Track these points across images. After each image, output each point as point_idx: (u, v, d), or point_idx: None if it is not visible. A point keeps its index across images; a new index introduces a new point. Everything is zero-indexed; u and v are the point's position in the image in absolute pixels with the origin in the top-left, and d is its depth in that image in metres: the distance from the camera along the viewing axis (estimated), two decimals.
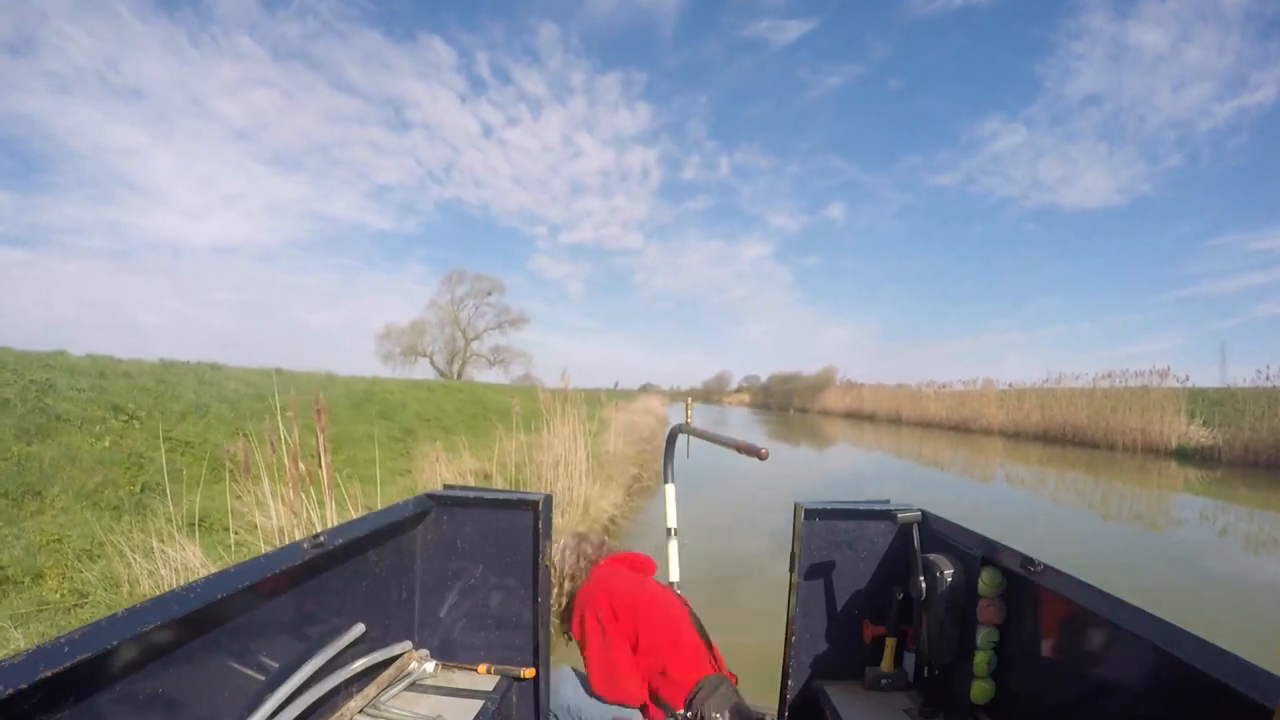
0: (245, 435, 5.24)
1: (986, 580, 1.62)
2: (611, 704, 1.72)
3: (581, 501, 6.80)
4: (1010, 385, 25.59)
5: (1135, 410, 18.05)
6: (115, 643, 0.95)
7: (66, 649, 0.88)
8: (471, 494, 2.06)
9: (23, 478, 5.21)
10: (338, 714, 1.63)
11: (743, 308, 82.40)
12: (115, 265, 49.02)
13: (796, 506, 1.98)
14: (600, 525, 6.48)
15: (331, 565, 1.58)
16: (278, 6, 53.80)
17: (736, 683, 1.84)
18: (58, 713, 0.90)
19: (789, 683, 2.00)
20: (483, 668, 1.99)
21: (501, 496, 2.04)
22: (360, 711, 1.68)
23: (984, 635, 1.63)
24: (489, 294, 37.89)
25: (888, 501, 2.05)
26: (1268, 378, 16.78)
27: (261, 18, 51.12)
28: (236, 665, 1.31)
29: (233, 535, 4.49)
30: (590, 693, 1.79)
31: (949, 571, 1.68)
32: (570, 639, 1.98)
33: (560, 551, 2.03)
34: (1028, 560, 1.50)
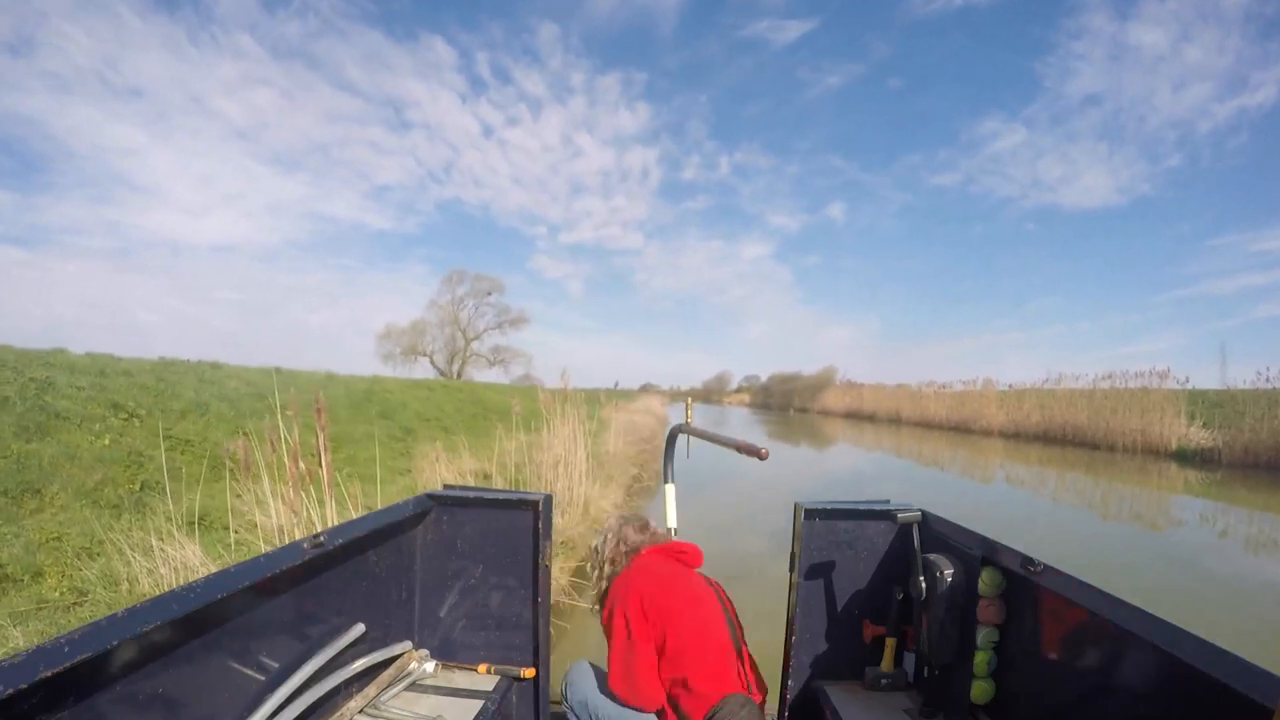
0: (245, 434, 5.24)
1: (986, 580, 1.62)
2: (627, 706, 1.69)
3: (581, 501, 6.79)
4: (1010, 386, 25.59)
5: (1135, 411, 18.04)
6: (115, 643, 0.95)
7: (66, 649, 0.88)
8: (471, 494, 2.06)
9: (22, 476, 5.20)
10: (338, 714, 1.63)
11: (743, 308, 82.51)
12: (115, 265, 49.04)
13: (796, 506, 1.98)
14: (600, 525, 6.47)
15: (331, 565, 1.58)
16: (278, 5, 53.84)
17: (763, 700, 1.78)
18: (58, 713, 0.90)
19: (789, 683, 2.00)
20: (483, 668, 1.99)
21: (501, 496, 2.04)
22: (360, 711, 1.68)
23: (984, 635, 1.62)
24: (489, 294, 37.90)
25: (888, 501, 2.05)
26: (1268, 379, 16.78)
27: (261, 17, 51.15)
28: (236, 665, 1.31)
29: (232, 534, 4.49)
30: (606, 690, 1.76)
31: (949, 571, 1.68)
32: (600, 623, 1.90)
33: (603, 535, 1.94)
34: (1028, 560, 1.50)
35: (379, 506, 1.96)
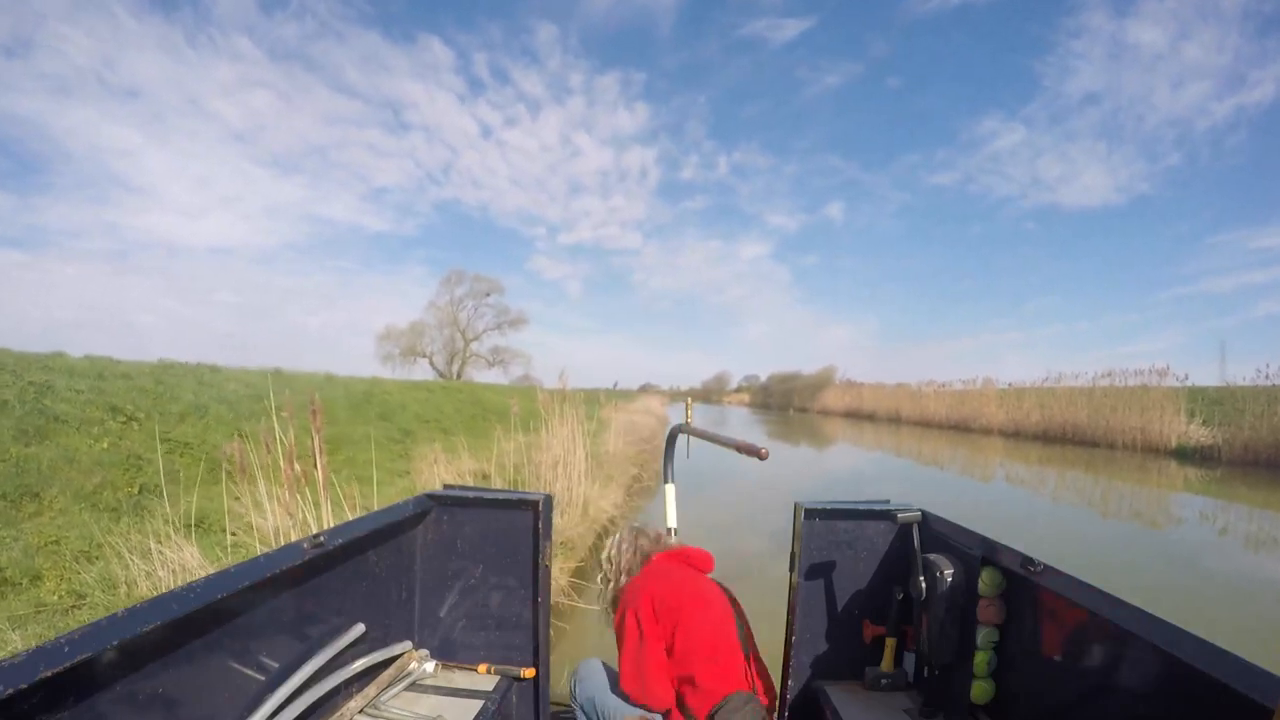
0: (242, 436, 5.23)
1: (986, 580, 1.62)
2: (636, 705, 1.70)
3: (581, 502, 6.79)
4: (1010, 385, 25.60)
5: (1135, 409, 18.05)
6: (115, 643, 0.95)
7: (66, 649, 0.88)
8: (471, 494, 2.06)
9: (21, 479, 5.19)
10: (338, 714, 1.63)
11: (741, 307, 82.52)
12: (114, 267, 48.99)
13: (796, 506, 1.98)
14: (600, 525, 6.48)
15: (331, 565, 1.58)
16: (275, 7, 53.82)
17: (770, 701, 1.78)
18: (58, 713, 0.90)
19: (789, 683, 2.00)
20: (483, 668, 1.99)
21: (501, 496, 2.04)
22: (360, 711, 1.68)
23: (984, 635, 1.62)
24: (488, 295, 37.91)
25: (888, 501, 2.05)
26: (1267, 376, 16.80)
27: (259, 19, 51.08)
28: (236, 665, 1.31)
29: (229, 536, 4.48)
30: (615, 689, 1.77)
31: (949, 571, 1.68)
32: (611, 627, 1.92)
33: (616, 545, 1.97)
34: (1028, 560, 1.50)
35: (375, 508, 1.96)
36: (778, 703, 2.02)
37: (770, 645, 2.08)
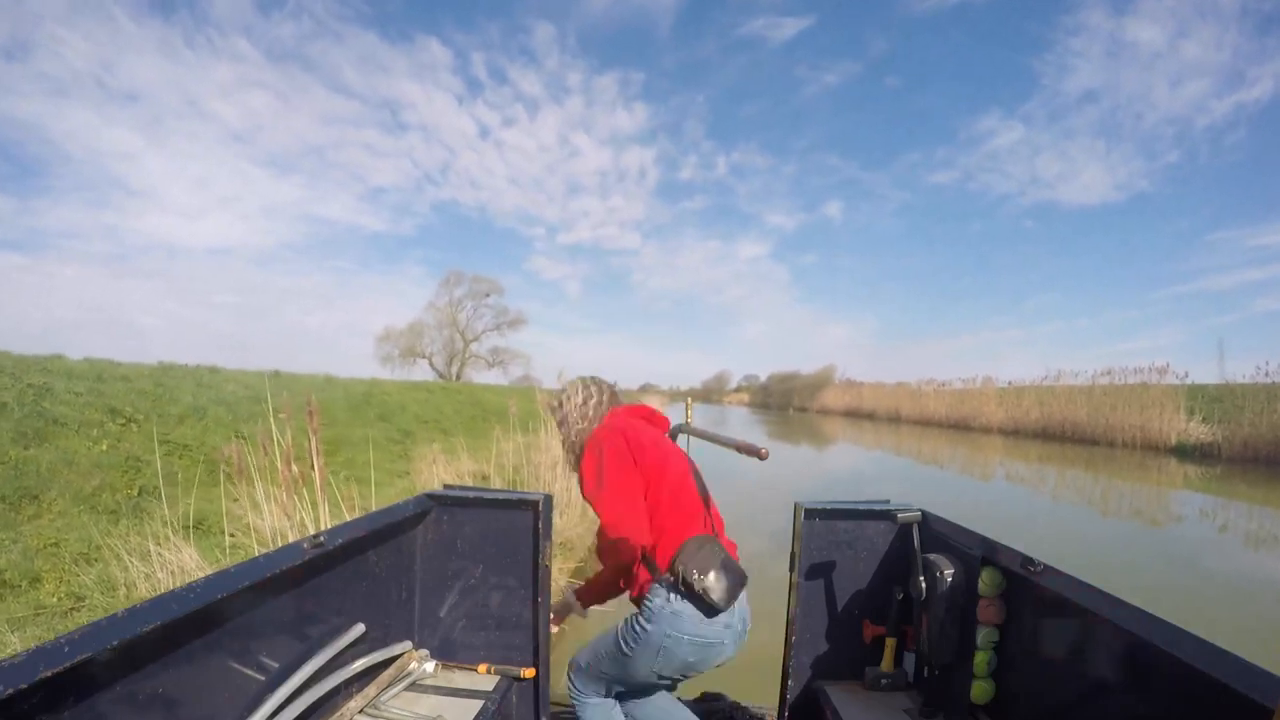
0: (240, 437, 5.23)
1: (986, 580, 1.62)
2: (615, 539, 1.62)
3: (579, 502, 6.79)
4: (1009, 383, 25.62)
5: (1134, 407, 18.07)
6: (115, 643, 0.95)
7: (66, 649, 0.88)
8: (471, 494, 2.06)
9: (20, 482, 5.19)
10: (338, 714, 1.63)
11: (741, 307, 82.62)
12: (112, 269, 48.94)
13: (796, 506, 1.98)
14: (599, 525, 6.47)
15: (331, 565, 1.58)
16: (272, 8, 53.79)
17: (736, 552, 1.72)
18: (58, 713, 0.90)
19: (789, 683, 2.00)
20: (483, 668, 1.99)
21: (501, 496, 2.04)
22: (360, 711, 1.68)
23: (984, 635, 1.63)
24: (487, 295, 37.86)
25: (888, 501, 2.05)
26: (1266, 374, 16.82)
27: (256, 19, 51.05)
28: (236, 665, 1.31)
29: (228, 538, 4.48)
30: (583, 676, 1.76)
31: (949, 571, 1.68)
32: (579, 480, 1.83)
33: (579, 391, 1.90)
34: (1028, 560, 1.50)
35: (373, 509, 1.96)
36: (778, 703, 2.03)
37: (770, 645, 2.08)
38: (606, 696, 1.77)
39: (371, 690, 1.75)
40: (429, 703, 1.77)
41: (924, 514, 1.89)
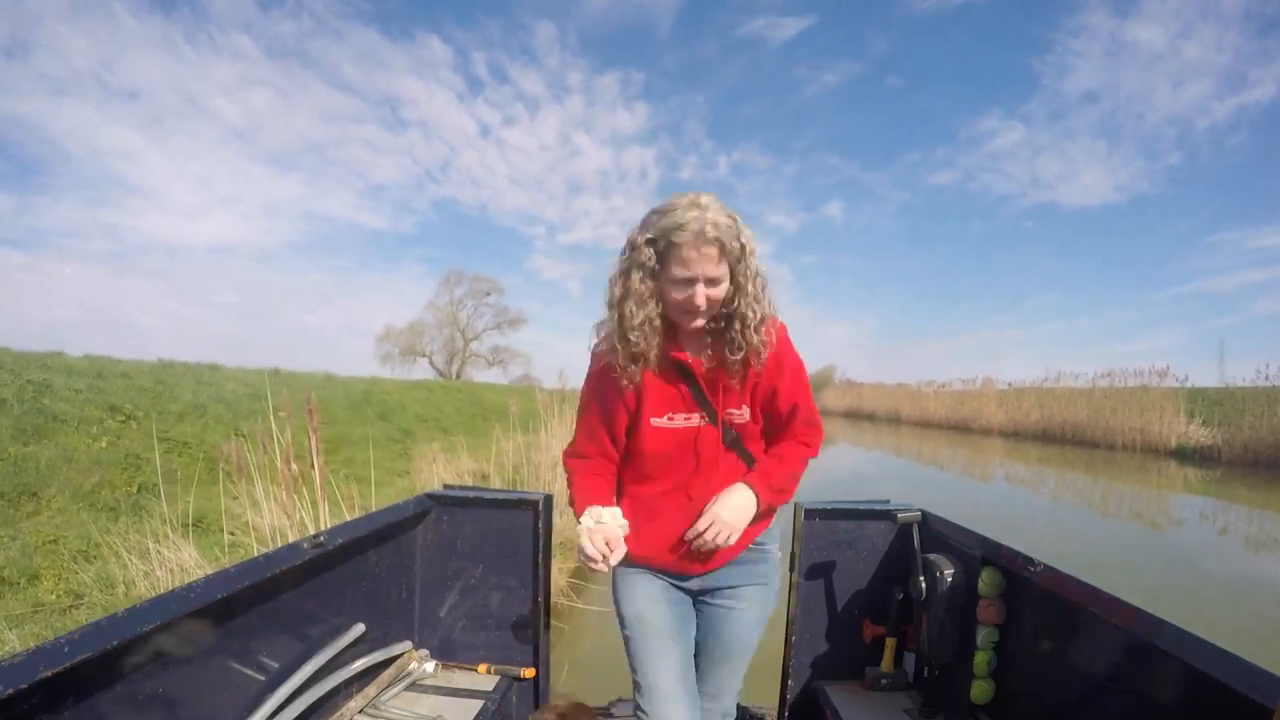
0: (240, 435, 5.22)
1: (986, 580, 1.62)
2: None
3: None
4: (1010, 384, 25.58)
5: (1134, 409, 18.05)
6: (115, 643, 0.95)
7: (66, 649, 0.88)
8: (471, 494, 2.06)
9: (19, 478, 5.19)
10: (338, 714, 1.63)
11: None
12: (113, 268, 48.76)
13: (796, 506, 1.98)
14: None
15: (331, 565, 1.58)
16: (273, 4, 53.42)
17: None
18: (58, 713, 0.90)
19: (789, 683, 2.00)
20: (483, 668, 1.99)
21: (501, 496, 2.04)
22: (360, 711, 1.68)
23: (984, 635, 1.63)
24: (487, 295, 37.80)
25: (888, 501, 2.05)
26: (1267, 376, 16.78)
27: (257, 16, 50.86)
28: (236, 665, 1.31)
29: (227, 536, 4.48)
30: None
31: (949, 571, 1.68)
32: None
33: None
34: (1028, 560, 1.50)
35: (373, 508, 1.96)
36: (778, 703, 2.03)
37: (770, 645, 2.07)
38: None
39: (371, 690, 1.75)
40: (429, 703, 1.77)
41: (924, 514, 1.89)
